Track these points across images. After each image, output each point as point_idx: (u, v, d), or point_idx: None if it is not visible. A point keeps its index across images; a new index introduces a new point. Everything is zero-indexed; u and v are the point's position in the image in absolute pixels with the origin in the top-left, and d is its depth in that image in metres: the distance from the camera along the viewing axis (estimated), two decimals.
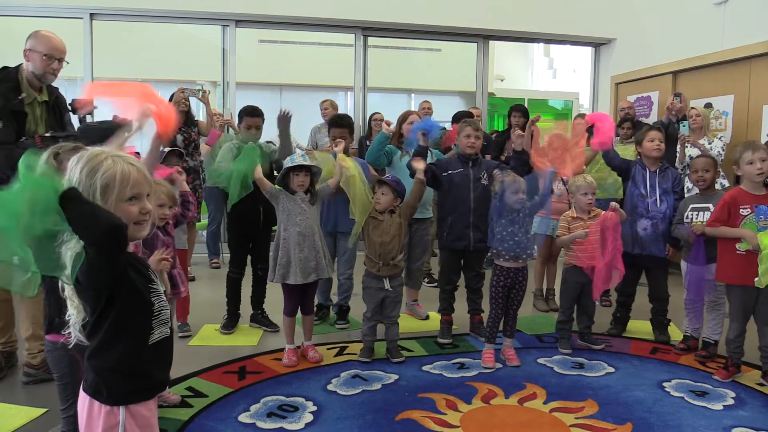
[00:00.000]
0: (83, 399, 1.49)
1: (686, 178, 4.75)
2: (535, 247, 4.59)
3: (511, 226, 3.34)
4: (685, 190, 4.64)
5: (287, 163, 3.37)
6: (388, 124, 4.11)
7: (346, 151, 4.06)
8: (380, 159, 4.04)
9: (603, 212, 3.57)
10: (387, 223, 3.37)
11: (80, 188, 1.38)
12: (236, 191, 3.55)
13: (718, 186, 4.77)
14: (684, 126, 4.85)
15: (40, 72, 3.06)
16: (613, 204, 3.53)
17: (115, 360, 1.44)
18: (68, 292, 1.45)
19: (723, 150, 4.93)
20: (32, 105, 3.09)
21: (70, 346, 1.51)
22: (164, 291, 1.56)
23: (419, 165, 3.52)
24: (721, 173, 4.89)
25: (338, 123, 4.04)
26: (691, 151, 4.87)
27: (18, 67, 3.11)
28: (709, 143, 4.92)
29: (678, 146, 4.97)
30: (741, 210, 3.09)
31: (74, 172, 1.41)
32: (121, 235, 1.33)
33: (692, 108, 5.07)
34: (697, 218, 3.44)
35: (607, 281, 3.55)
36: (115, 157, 1.43)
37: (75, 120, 3.49)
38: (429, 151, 4.22)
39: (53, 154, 1.93)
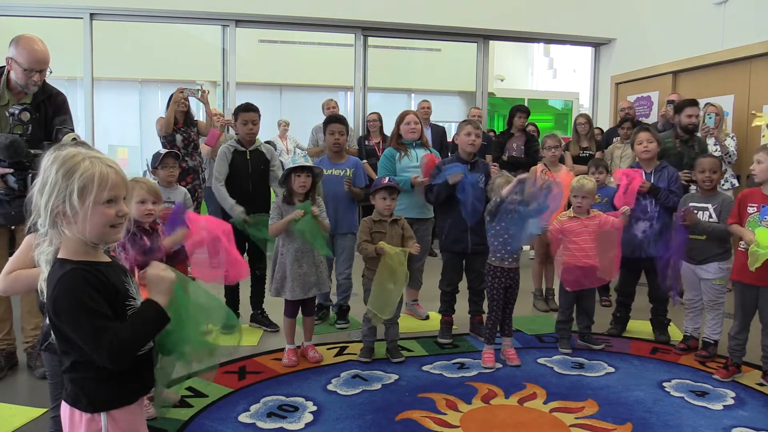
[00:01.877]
0: (65, 408, 1.46)
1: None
2: (525, 247, 4.56)
3: (498, 225, 3.35)
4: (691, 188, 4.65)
5: (289, 163, 3.37)
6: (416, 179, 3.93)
7: (341, 150, 4.07)
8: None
9: (603, 215, 3.58)
10: (389, 235, 3.37)
11: (56, 189, 1.35)
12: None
13: (728, 185, 4.79)
14: (710, 118, 4.82)
15: (23, 83, 3.05)
16: (624, 208, 3.52)
17: (92, 372, 1.41)
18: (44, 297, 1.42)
19: (735, 150, 4.92)
20: (6, 107, 3.06)
21: None
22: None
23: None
24: (732, 172, 4.88)
25: (338, 119, 4.09)
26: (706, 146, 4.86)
27: (4, 70, 3.11)
28: (724, 142, 4.91)
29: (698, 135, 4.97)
30: (748, 208, 3.11)
31: (50, 171, 1.37)
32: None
33: (711, 105, 5.02)
34: None
35: (578, 280, 3.56)
36: (92, 158, 1.39)
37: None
38: (431, 151, 4.22)
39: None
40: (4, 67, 3.09)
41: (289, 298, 3.34)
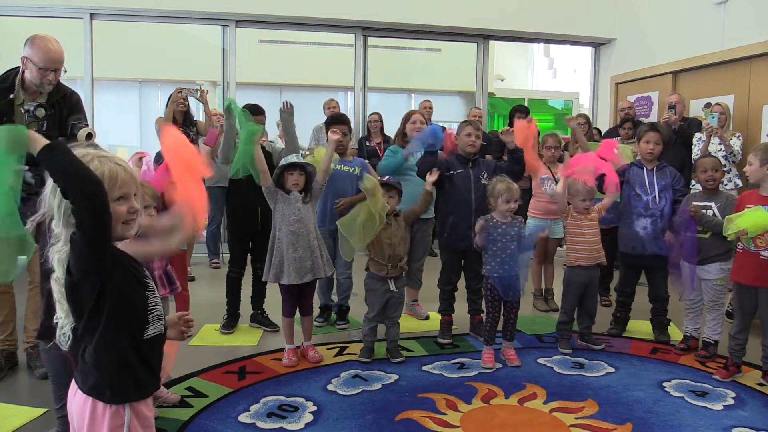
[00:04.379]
0: (83, 401, 1.47)
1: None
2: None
3: (498, 257, 3.34)
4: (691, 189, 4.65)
5: (282, 162, 3.37)
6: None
7: (344, 150, 4.06)
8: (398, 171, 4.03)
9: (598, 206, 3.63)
10: (394, 226, 3.38)
11: None
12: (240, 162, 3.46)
13: (731, 185, 4.79)
14: (713, 117, 4.82)
15: (38, 82, 3.04)
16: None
17: (116, 356, 1.44)
18: (57, 295, 1.44)
19: (740, 149, 4.92)
20: (21, 106, 3.05)
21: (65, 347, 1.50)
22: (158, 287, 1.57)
23: (431, 177, 3.54)
24: (737, 172, 4.88)
25: (339, 120, 4.04)
26: (708, 147, 4.85)
27: (19, 69, 3.11)
28: (728, 141, 4.91)
29: (702, 136, 4.96)
30: (746, 209, 3.11)
31: None
32: (99, 188, 1.32)
33: (716, 104, 5.02)
34: None
35: None
36: (101, 157, 1.43)
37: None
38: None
39: None
40: (19, 67, 3.09)
41: (285, 283, 3.32)
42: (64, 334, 1.46)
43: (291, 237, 3.29)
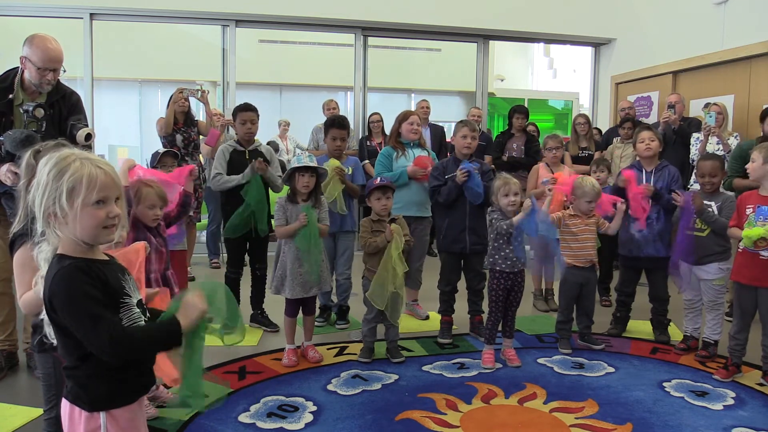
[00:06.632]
0: (65, 405, 1.47)
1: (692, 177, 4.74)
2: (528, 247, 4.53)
3: (501, 238, 3.35)
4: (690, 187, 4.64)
5: (293, 163, 3.37)
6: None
7: (340, 154, 4.06)
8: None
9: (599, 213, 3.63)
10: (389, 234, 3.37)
11: (47, 190, 1.36)
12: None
13: None
14: (711, 117, 4.82)
15: (36, 82, 3.04)
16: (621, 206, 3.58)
17: (91, 370, 1.42)
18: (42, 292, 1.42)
19: None
20: (21, 106, 3.04)
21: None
22: (140, 300, 1.52)
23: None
24: None
25: (340, 124, 4.02)
26: (705, 147, 4.85)
27: (18, 69, 3.11)
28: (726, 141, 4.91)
29: (699, 136, 4.96)
30: (746, 209, 3.13)
31: (42, 173, 1.38)
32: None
33: (714, 104, 5.04)
34: None
35: None
36: (83, 159, 1.39)
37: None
38: (428, 151, 4.23)
39: (34, 153, 1.88)
40: (18, 67, 3.09)
41: (288, 297, 3.34)
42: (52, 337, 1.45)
43: (297, 252, 3.30)
